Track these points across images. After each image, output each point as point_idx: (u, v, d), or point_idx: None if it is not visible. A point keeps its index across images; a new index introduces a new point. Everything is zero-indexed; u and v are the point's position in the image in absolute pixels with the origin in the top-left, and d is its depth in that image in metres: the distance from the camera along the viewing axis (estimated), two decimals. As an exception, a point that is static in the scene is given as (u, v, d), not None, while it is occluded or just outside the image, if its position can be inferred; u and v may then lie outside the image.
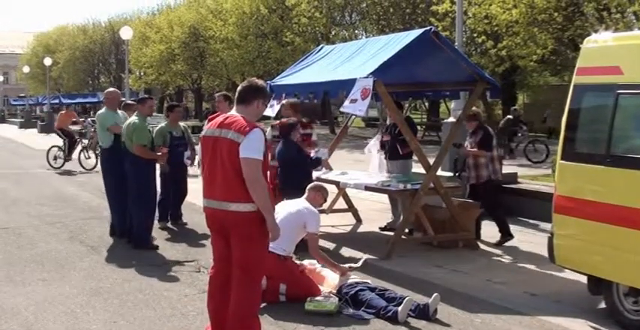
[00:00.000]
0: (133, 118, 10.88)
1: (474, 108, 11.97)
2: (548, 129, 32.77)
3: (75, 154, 24.51)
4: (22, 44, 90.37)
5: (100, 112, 11.99)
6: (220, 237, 6.33)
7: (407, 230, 11.13)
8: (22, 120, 63.99)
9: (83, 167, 23.13)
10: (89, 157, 24.17)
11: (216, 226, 6.34)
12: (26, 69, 75.48)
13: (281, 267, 7.88)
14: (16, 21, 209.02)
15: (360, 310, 7.45)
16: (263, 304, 7.73)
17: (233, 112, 6.21)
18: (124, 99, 12.98)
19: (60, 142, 25.11)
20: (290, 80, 11.83)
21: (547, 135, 30.62)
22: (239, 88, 6.27)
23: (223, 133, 5.99)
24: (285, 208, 8.25)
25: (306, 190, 8.67)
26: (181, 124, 12.99)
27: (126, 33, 38.00)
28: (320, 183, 9.03)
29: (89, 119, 41.01)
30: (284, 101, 11.72)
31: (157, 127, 12.27)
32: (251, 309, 6.24)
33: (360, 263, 8.64)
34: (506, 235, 11.20)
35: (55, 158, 24.19)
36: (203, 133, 6.44)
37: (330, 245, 10.83)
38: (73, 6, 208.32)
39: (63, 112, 26.62)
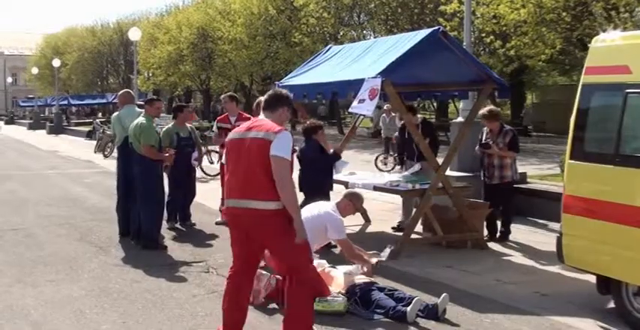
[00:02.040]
0: (141, 119, 10.90)
1: (494, 107, 11.93)
2: (525, 128, 35.35)
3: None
4: (31, 46, 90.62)
5: (137, 111, 11.74)
6: (243, 238, 6.40)
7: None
8: (31, 121, 64.17)
9: (205, 173, 20.47)
10: (212, 162, 22.17)
11: (240, 226, 6.37)
12: (35, 70, 75.74)
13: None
14: (24, 22, 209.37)
15: (368, 310, 7.44)
16: (272, 305, 7.76)
17: (261, 117, 6.46)
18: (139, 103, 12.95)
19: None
20: (298, 81, 11.83)
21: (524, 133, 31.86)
22: (265, 97, 6.61)
23: (253, 134, 6.21)
24: (307, 211, 8.22)
25: (342, 196, 8.68)
26: (188, 124, 13.00)
27: (134, 34, 38.08)
28: (357, 192, 8.91)
29: (97, 121, 41.23)
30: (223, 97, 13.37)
31: (164, 128, 12.29)
32: (309, 314, 6.43)
33: (386, 254, 8.58)
34: (508, 235, 11.29)
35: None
36: (230, 137, 6.54)
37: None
38: (81, 7, 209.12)
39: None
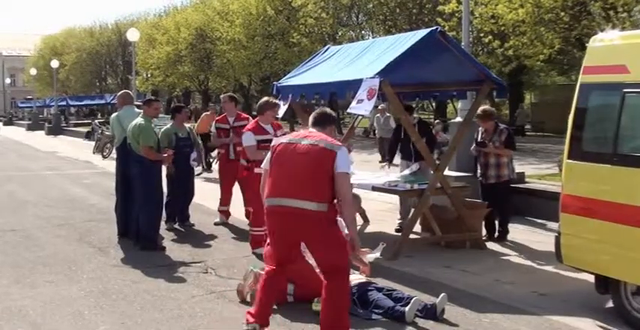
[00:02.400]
0: (139, 120, 10.90)
1: (488, 107, 11.95)
2: (520, 127, 36.13)
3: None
4: (29, 46, 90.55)
5: (132, 111, 11.85)
6: (285, 239, 6.60)
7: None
8: (30, 122, 64.16)
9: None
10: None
11: (283, 226, 6.52)
12: (33, 71, 75.71)
13: (292, 266, 7.85)
14: (23, 23, 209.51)
15: (367, 310, 7.44)
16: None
17: (312, 130, 6.75)
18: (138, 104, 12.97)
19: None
20: (297, 81, 11.83)
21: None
22: (315, 114, 6.90)
23: (311, 141, 6.47)
24: None
25: None
26: (187, 125, 13.01)
27: (133, 35, 38.08)
28: (354, 192, 8.85)
29: (96, 121, 41.24)
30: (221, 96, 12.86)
31: (163, 129, 12.30)
32: (345, 313, 6.57)
33: (379, 250, 8.56)
34: (506, 234, 11.34)
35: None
36: (282, 140, 6.73)
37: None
38: (79, 8, 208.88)
39: (207, 113, 22.18)
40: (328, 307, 6.46)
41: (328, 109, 7.09)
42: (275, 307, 7.63)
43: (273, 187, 6.54)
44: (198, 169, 20.58)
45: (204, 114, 21.84)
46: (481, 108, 11.42)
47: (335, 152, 6.31)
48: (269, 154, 6.75)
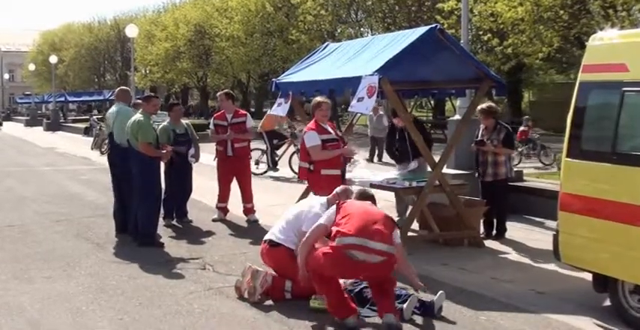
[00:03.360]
0: (138, 116, 10.89)
1: (494, 104, 11.95)
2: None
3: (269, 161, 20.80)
4: (28, 42, 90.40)
5: (123, 108, 11.83)
6: None
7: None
8: (28, 118, 64.13)
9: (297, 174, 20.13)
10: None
11: None
12: (32, 67, 75.63)
13: (290, 261, 7.83)
14: (21, 19, 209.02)
15: (364, 307, 7.44)
16: (268, 302, 7.77)
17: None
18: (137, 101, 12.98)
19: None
20: (296, 78, 11.82)
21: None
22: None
23: None
24: (304, 204, 8.40)
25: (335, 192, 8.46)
26: (184, 121, 13.01)
27: (131, 31, 38.06)
28: (348, 188, 8.60)
29: (94, 117, 41.22)
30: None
31: (161, 125, 12.29)
32: None
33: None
34: (504, 232, 11.35)
35: (257, 163, 20.43)
36: None
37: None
38: (78, 4, 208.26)
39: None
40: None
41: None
42: (272, 303, 7.67)
43: None
44: (262, 168, 20.31)
45: (268, 112, 20.84)
46: (486, 104, 11.42)
47: None
48: None
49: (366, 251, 6.86)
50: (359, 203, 7.52)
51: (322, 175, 9.67)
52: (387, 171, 12.92)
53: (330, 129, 10.07)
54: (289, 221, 8.11)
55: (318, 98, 10.12)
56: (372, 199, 7.78)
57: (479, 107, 11.17)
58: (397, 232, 7.21)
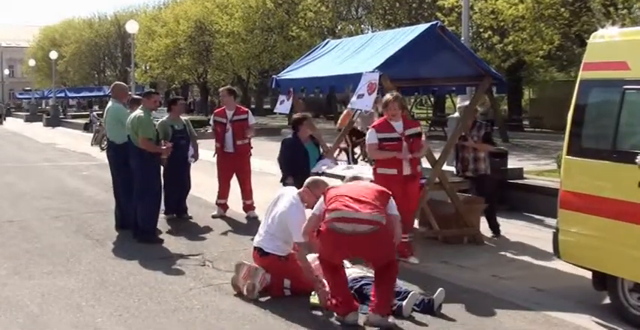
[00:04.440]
0: (139, 112, 10.89)
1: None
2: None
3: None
4: (28, 37, 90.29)
5: (113, 105, 11.93)
6: None
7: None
8: (28, 113, 64.08)
9: None
10: None
11: None
12: (32, 62, 75.59)
13: (283, 266, 7.87)
14: (22, 14, 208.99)
15: (364, 304, 7.44)
16: (268, 298, 7.78)
17: None
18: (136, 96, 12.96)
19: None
20: (296, 75, 11.82)
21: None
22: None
23: None
24: (279, 205, 8.17)
25: (303, 185, 8.36)
26: (183, 117, 13.01)
27: (132, 27, 38.06)
28: (318, 179, 8.54)
29: (94, 113, 41.19)
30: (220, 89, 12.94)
31: (159, 121, 12.28)
32: None
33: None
34: (498, 227, 11.36)
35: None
36: None
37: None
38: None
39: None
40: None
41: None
42: (272, 300, 7.68)
43: None
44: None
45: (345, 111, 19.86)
46: (465, 103, 11.46)
47: None
48: None
49: (350, 222, 6.86)
50: (346, 184, 7.58)
51: (378, 173, 9.56)
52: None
53: (398, 126, 9.39)
54: (271, 227, 8.06)
55: (388, 96, 9.52)
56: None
57: (458, 106, 11.23)
58: (392, 203, 7.29)
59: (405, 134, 9.31)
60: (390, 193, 7.40)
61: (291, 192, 8.23)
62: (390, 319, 6.98)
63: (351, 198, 7.05)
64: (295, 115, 11.43)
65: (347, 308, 7.05)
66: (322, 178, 8.87)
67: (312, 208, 7.59)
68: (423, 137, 9.67)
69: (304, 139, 11.11)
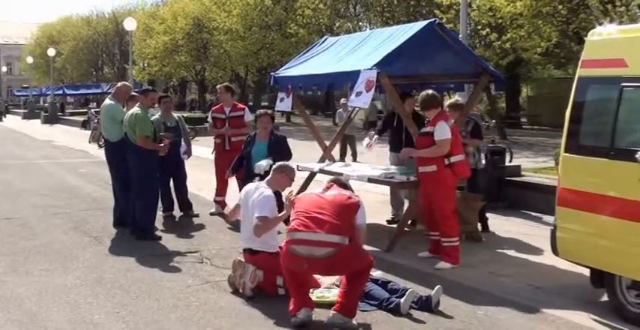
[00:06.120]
0: (136, 109, 10.87)
1: (457, 98, 11.97)
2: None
3: None
4: (26, 35, 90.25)
5: (108, 103, 11.93)
6: None
7: (410, 222, 11.09)
8: (26, 111, 64.07)
9: None
10: None
11: None
12: (30, 60, 75.55)
13: (275, 263, 7.81)
14: (19, 11, 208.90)
15: (362, 301, 7.43)
16: (266, 296, 7.76)
17: None
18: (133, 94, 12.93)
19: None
20: (294, 72, 11.82)
21: None
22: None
23: None
24: (248, 202, 8.14)
25: (271, 172, 8.38)
26: (175, 114, 13.00)
27: (130, 24, 38.05)
28: (285, 163, 8.55)
29: (92, 110, 41.18)
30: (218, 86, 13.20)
31: (151, 119, 12.23)
32: None
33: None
34: (486, 221, 11.42)
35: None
36: None
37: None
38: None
39: None
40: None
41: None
42: (270, 297, 7.66)
43: None
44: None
45: None
46: (454, 99, 11.46)
47: None
48: None
49: (307, 244, 6.79)
50: (310, 196, 7.37)
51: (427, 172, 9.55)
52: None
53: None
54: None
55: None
56: (341, 185, 7.62)
57: (447, 102, 11.21)
58: (360, 213, 7.13)
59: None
60: (357, 202, 7.26)
61: (255, 185, 8.24)
62: (354, 322, 6.85)
63: (309, 215, 6.94)
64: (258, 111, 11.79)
65: (298, 306, 6.92)
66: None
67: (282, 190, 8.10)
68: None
69: (261, 135, 11.31)
